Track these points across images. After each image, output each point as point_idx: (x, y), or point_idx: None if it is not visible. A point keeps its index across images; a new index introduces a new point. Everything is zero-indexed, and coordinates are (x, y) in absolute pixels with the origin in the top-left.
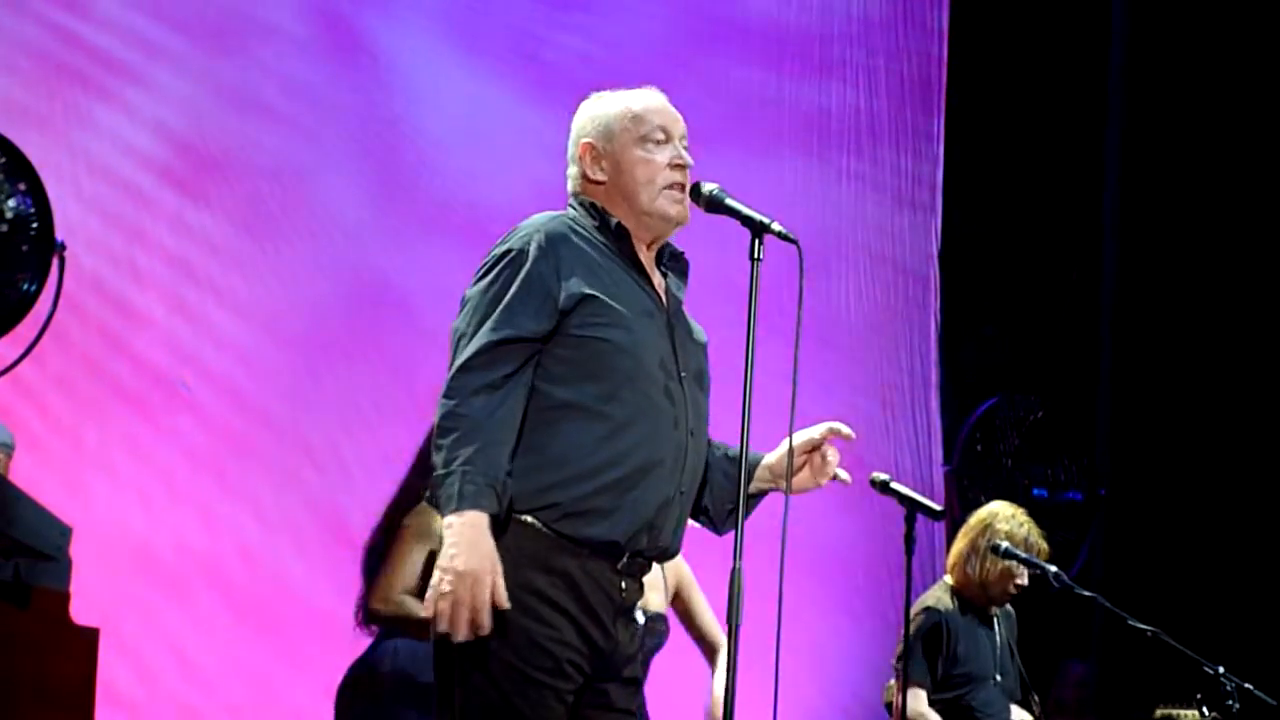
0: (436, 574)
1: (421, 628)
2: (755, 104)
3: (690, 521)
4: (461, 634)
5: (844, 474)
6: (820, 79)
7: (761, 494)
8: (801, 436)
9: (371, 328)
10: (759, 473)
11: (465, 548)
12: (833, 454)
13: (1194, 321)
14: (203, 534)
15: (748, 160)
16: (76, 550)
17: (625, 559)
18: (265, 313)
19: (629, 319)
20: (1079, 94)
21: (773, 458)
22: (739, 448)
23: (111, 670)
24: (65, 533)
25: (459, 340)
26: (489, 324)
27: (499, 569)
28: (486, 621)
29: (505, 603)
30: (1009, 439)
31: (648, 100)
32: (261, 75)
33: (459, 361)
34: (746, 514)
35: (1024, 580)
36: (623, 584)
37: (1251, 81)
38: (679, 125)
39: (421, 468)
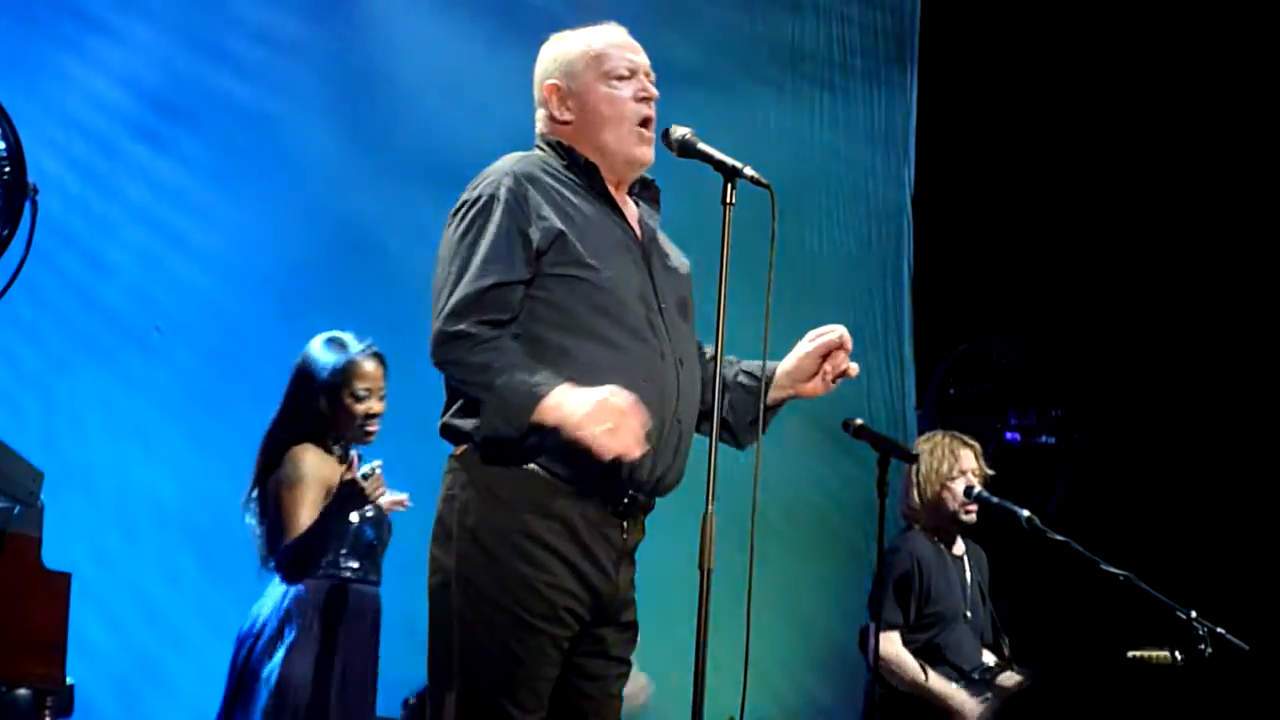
0: (580, 430)
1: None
2: (727, 43)
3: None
4: (636, 450)
5: (853, 367)
6: (793, 17)
7: (780, 403)
8: (817, 339)
9: (348, 276)
10: (778, 379)
11: (579, 399)
12: (842, 356)
13: (1171, 266)
14: (173, 485)
15: (718, 101)
16: (47, 500)
17: (626, 499)
18: (240, 263)
19: (603, 255)
20: (1054, 40)
21: (790, 363)
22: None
23: (80, 617)
24: (37, 478)
25: (440, 291)
26: (471, 271)
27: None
28: (647, 421)
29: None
30: (982, 383)
31: (609, 36)
32: (233, 24)
33: (446, 309)
34: (764, 427)
35: (963, 500)
36: (624, 525)
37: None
38: (642, 59)
39: (284, 421)
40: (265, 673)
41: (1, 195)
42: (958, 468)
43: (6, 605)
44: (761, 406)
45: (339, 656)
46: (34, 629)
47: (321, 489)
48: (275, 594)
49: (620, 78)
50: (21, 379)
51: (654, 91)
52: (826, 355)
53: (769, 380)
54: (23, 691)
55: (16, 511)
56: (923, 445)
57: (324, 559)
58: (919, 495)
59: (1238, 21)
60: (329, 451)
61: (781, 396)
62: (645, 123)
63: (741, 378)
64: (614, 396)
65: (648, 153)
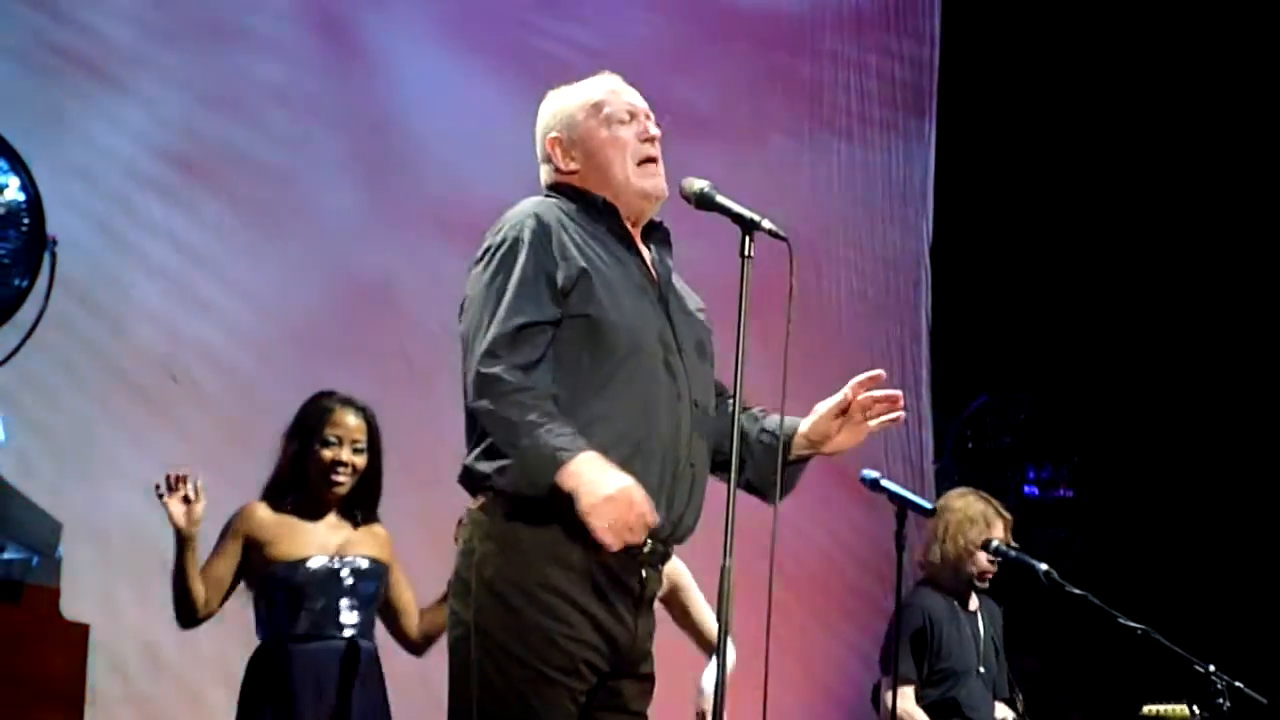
0: (602, 516)
1: None
2: (745, 94)
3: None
4: (637, 538)
5: (898, 414)
6: (812, 67)
7: (804, 460)
8: (828, 403)
9: (368, 321)
10: (796, 441)
11: (599, 478)
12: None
13: (1188, 319)
14: (204, 521)
15: (738, 149)
16: (78, 541)
17: (644, 547)
18: (263, 307)
19: (622, 296)
20: (1071, 95)
21: (806, 425)
22: (765, 420)
23: (116, 653)
24: (56, 529)
25: (472, 336)
26: (501, 313)
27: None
28: (652, 517)
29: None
30: (999, 437)
31: (606, 84)
32: (256, 73)
33: (480, 352)
34: (789, 486)
35: (985, 566)
36: (643, 573)
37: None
38: (641, 103)
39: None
40: None
41: (22, 246)
42: (987, 535)
43: (25, 656)
44: (780, 465)
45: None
46: (52, 679)
47: (237, 541)
48: None
49: (621, 121)
50: (44, 435)
51: (656, 131)
52: (845, 411)
53: (788, 442)
54: None
55: (35, 563)
56: (955, 503)
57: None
58: (941, 552)
59: (1258, 77)
60: (277, 507)
61: (803, 455)
62: (650, 160)
63: (763, 436)
64: (635, 491)
65: (659, 183)
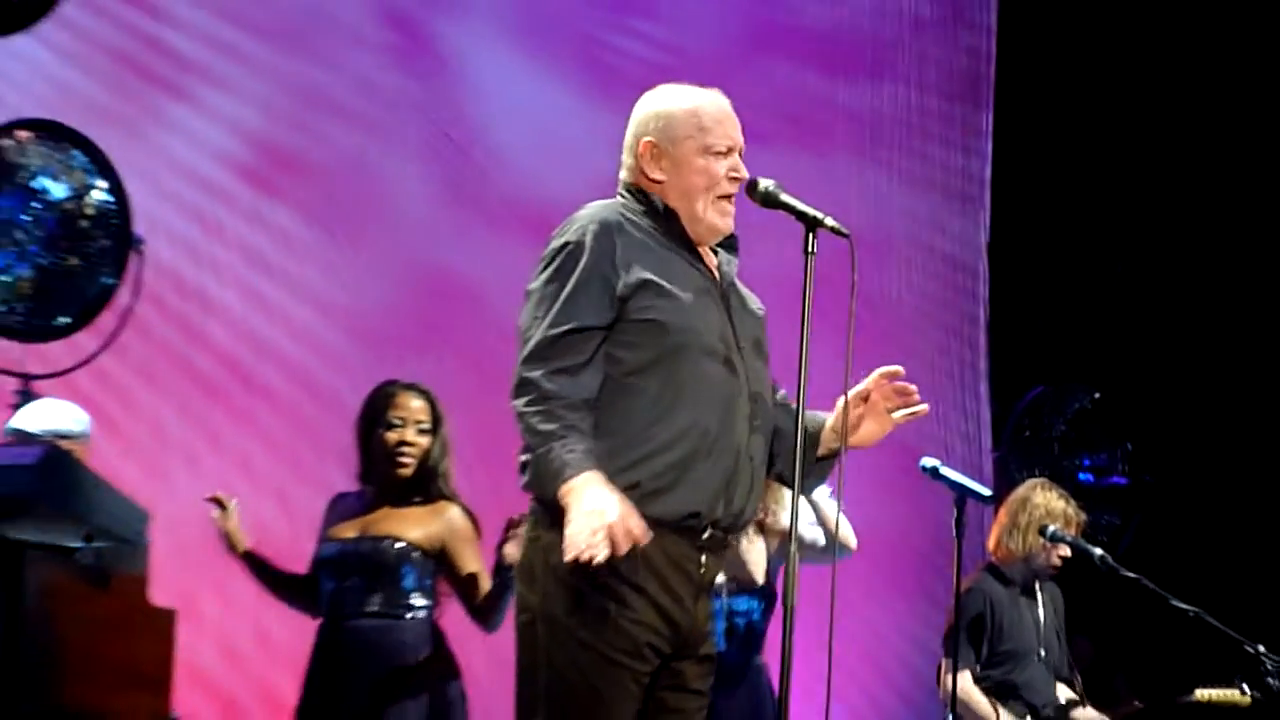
0: (574, 529)
1: None
2: (809, 103)
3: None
4: (620, 549)
5: (919, 407)
6: (872, 79)
7: (834, 454)
8: (851, 392)
9: (441, 319)
10: (824, 436)
11: (589, 496)
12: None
13: (1240, 309)
14: (279, 516)
15: (802, 158)
16: (157, 534)
17: (706, 533)
18: (338, 305)
19: (685, 299)
20: (1127, 88)
21: (834, 418)
22: (799, 419)
23: (194, 648)
24: (143, 518)
25: (525, 333)
26: (552, 316)
27: (626, 503)
28: (640, 532)
29: (644, 536)
30: (1056, 426)
31: (716, 108)
32: (334, 76)
33: (526, 353)
34: (823, 477)
35: (1065, 553)
36: (702, 560)
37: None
38: (740, 137)
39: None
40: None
41: (111, 246)
42: (1065, 529)
43: (115, 643)
44: (799, 456)
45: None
46: (141, 662)
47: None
48: None
49: (719, 153)
50: (133, 428)
51: (745, 173)
52: (866, 400)
53: (816, 436)
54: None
55: (123, 552)
56: (1037, 498)
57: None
58: (1016, 543)
59: None
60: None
61: (834, 448)
62: (728, 197)
63: (794, 430)
64: (624, 520)
65: (729, 223)
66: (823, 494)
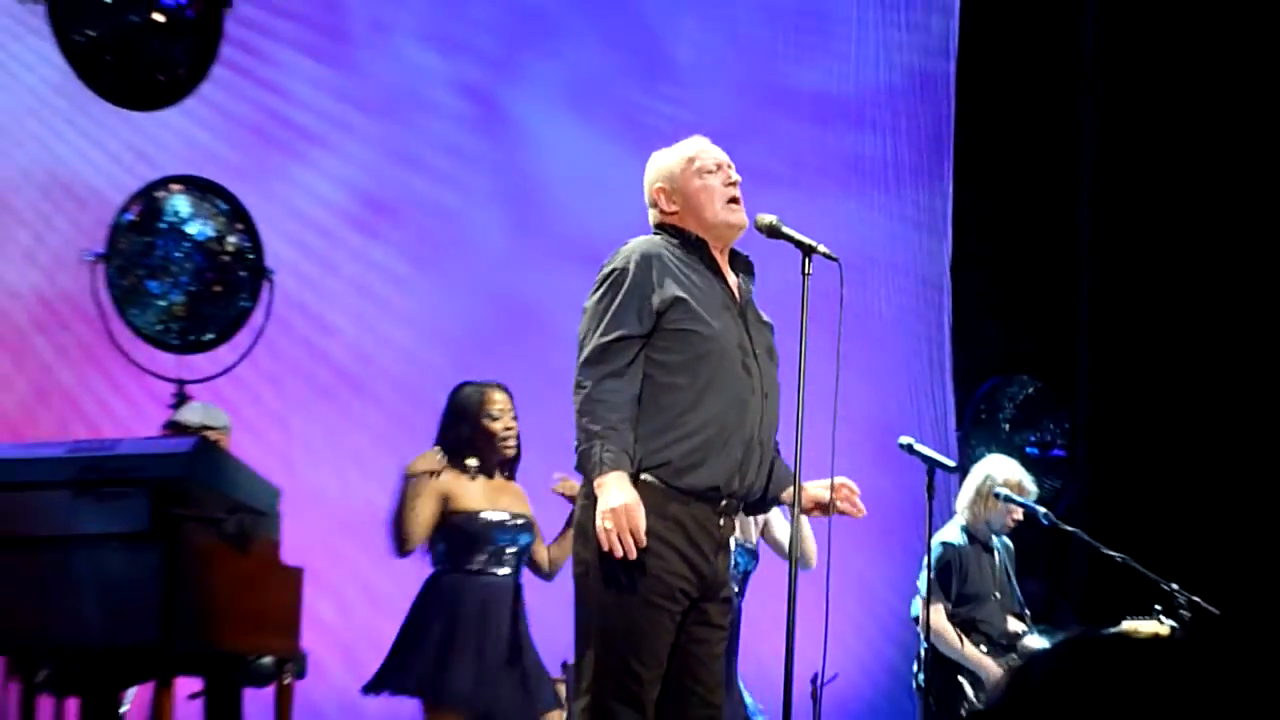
0: (599, 516)
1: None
2: (806, 151)
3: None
4: (627, 552)
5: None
6: (856, 132)
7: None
8: (817, 496)
9: (511, 333)
10: (787, 492)
11: (616, 494)
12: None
13: (1158, 321)
14: (383, 497)
15: (800, 196)
16: (285, 508)
17: (723, 501)
18: (428, 324)
19: (711, 313)
20: (1058, 138)
21: (803, 495)
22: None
23: (315, 604)
24: (275, 493)
25: (582, 342)
26: (602, 327)
27: (641, 506)
28: (642, 539)
29: (644, 538)
30: (1006, 409)
31: (697, 144)
32: (422, 140)
33: (583, 358)
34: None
35: (1019, 515)
36: (720, 522)
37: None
38: (724, 156)
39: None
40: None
41: (247, 278)
42: (1018, 493)
43: (254, 593)
44: (796, 487)
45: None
46: (274, 611)
47: (435, 496)
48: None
49: (709, 171)
50: (266, 422)
51: (737, 177)
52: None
53: (785, 491)
54: (266, 659)
55: (259, 521)
56: (996, 469)
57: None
58: (980, 507)
59: None
60: (462, 469)
61: (785, 500)
62: (734, 200)
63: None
64: (630, 509)
65: (741, 216)
66: (777, 515)
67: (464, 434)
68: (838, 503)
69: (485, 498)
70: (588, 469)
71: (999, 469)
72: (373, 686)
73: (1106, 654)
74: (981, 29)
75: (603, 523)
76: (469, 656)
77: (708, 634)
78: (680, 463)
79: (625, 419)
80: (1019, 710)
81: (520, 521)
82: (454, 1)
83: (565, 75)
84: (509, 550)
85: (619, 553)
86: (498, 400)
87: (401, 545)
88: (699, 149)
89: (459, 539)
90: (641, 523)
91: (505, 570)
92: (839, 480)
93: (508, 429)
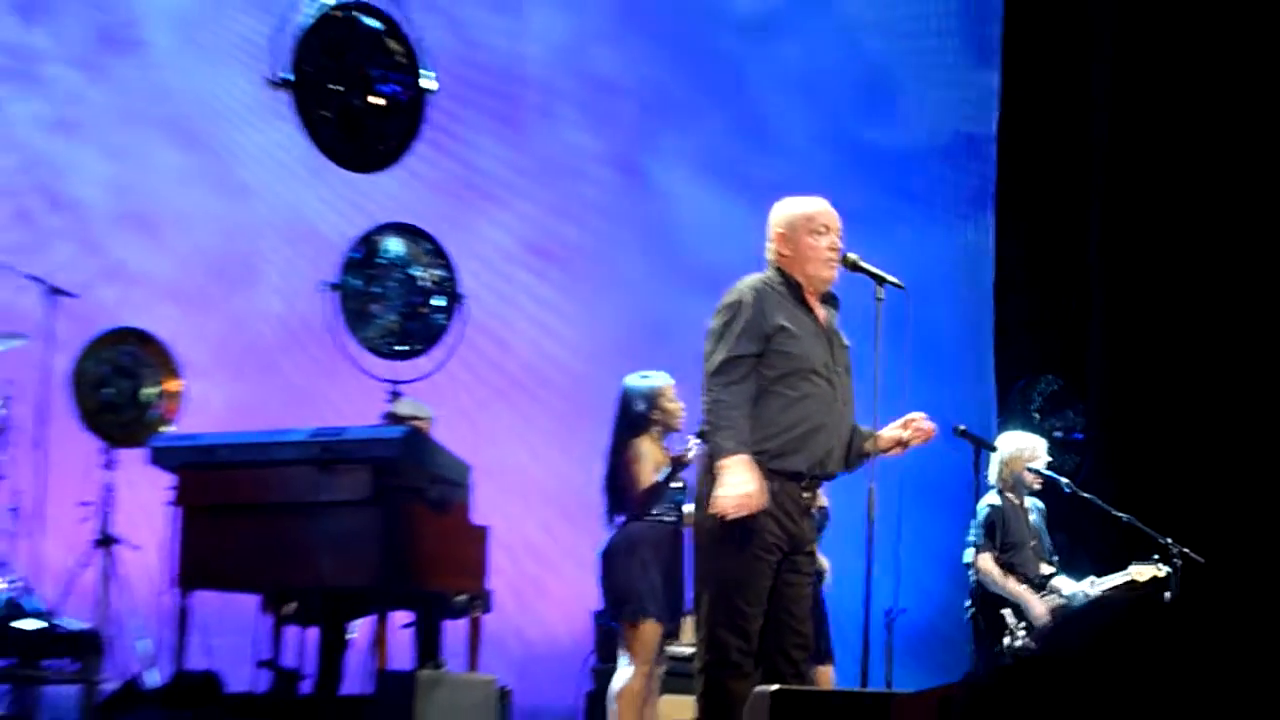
0: (726, 489)
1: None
2: (878, 195)
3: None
4: (752, 510)
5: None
6: (917, 179)
7: (866, 454)
8: (894, 436)
9: (651, 348)
10: (865, 445)
11: (741, 473)
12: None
13: (1156, 333)
14: (561, 469)
15: (873, 233)
16: (477, 480)
17: (806, 480)
18: (583, 340)
19: (804, 339)
20: (1076, 187)
21: (872, 439)
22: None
23: (496, 555)
24: (466, 469)
25: (710, 356)
26: (724, 347)
27: (760, 486)
28: (762, 504)
29: (762, 505)
30: (1036, 402)
31: (818, 206)
32: (578, 199)
33: (711, 370)
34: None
35: (1039, 484)
36: (805, 495)
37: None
38: (836, 221)
39: (622, 428)
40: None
41: (445, 302)
42: (1036, 461)
43: (450, 546)
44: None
45: (659, 568)
46: (466, 560)
47: (651, 462)
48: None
49: (820, 232)
50: (459, 414)
51: (840, 244)
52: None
53: (864, 441)
54: (460, 597)
55: (455, 491)
56: (1020, 441)
57: (654, 508)
58: (1009, 472)
59: None
60: (655, 440)
61: (866, 452)
62: (831, 262)
63: (856, 441)
64: (749, 487)
65: (833, 274)
66: None
67: (648, 414)
68: (912, 433)
69: (660, 464)
70: (713, 453)
71: (1024, 444)
72: (622, 616)
73: (1125, 617)
74: (1020, 90)
75: (731, 494)
76: (665, 584)
77: (796, 579)
78: (776, 451)
79: (743, 416)
80: (1058, 656)
81: (681, 484)
82: (602, 90)
83: (690, 145)
84: (675, 503)
85: (748, 512)
86: (670, 390)
87: (641, 507)
88: (819, 210)
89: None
90: (758, 502)
91: (672, 518)
92: (908, 416)
93: (680, 409)
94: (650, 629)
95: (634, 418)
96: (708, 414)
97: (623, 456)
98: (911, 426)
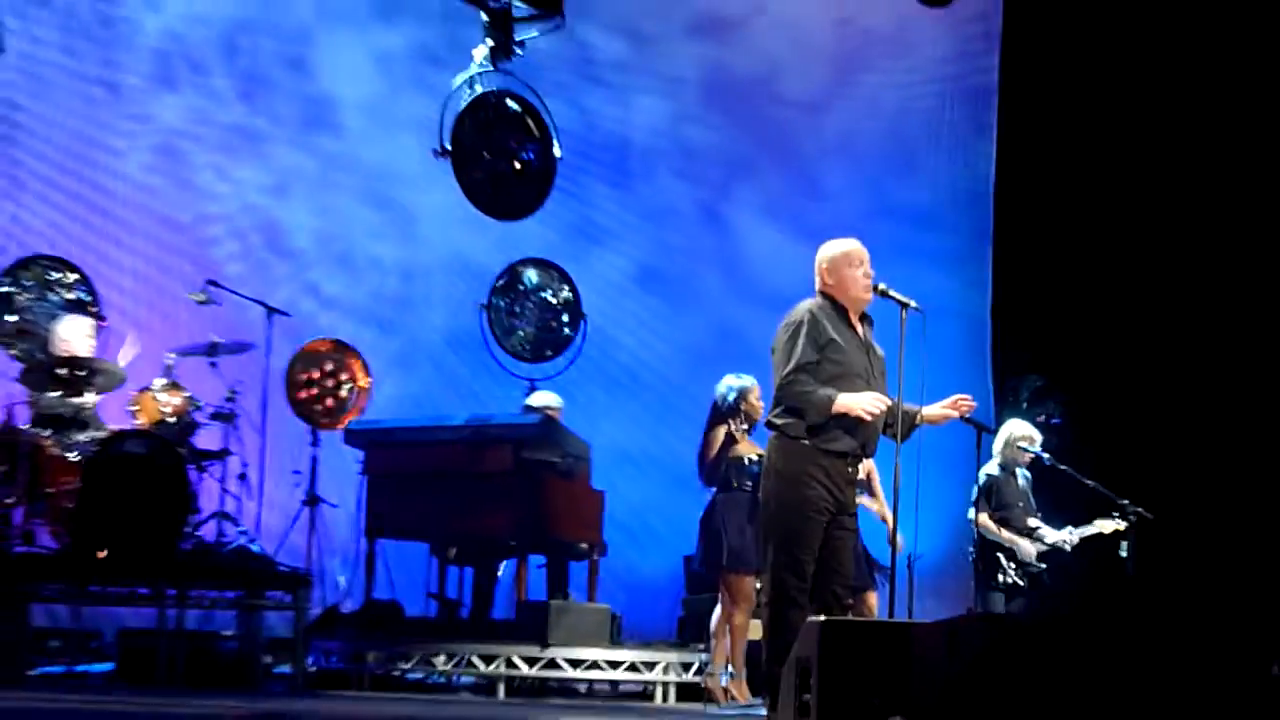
0: (861, 402)
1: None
2: (902, 240)
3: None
4: (876, 411)
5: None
6: (931, 230)
7: (915, 425)
8: (942, 414)
9: (728, 354)
10: (919, 417)
11: (855, 397)
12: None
13: (1116, 345)
14: (656, 447)
15: (898, 271)
16: (595, 454)
17: (850, 458)
18: (679, 348)
19: (849, 350)
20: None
21: (918, 414)
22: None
23: (612, 512)
24: (587, 446)
25: (781, 366)
26: (794, 358)
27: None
28: (883, 404)
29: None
30: (1024, 394)
31: (853, 245)
32: (666, 241)
33: (783, 376)
34: (908, 437)
35: (1028, 459)
36: (849, 468)
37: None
38: (866, 255)
39: (713, 417)
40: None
41: (570, 319)
42: (1028, 442)
43: (575, 505)
44: (898, 429)
45: (753, 529)
46: (587, 516)
47: (715, 446)
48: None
49: (856, 266)
50: (581, 404)
51: (872, 273)
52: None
53: (914, 416)
54: (582, 545)
55: (579, 464)
56: (1016, 427)
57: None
58: (1008, 450)
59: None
60: (743, 434)
61: (916, 424)
62: (866, 289)
63: (907, 418)
64: (870, 395)
65: (869, 298)
66: None
67: (738, 407)
68: (961, 408)
69: (747, 445)
70: (819, 407)
71: (1017, 429)
72: (726, 567)
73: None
74: (1012, 157)
75: (868, 406)
76: (754, 541)
77: (843, 535)
78: (829, 436)
79: (818, 389)
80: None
81: (758, 458)
82: (690, 155)
83: (758, 197)
84: (753, 475)
85: (879, 410)
86: (755, 390)
87: (707, 478)
88: (853, 249)
89: (733, 472)
90: (877, 405)
91: (749, 488)
92: (955, 396)
93: (761, 405)
94: (750, 579)
95: (724, 409)
96: (795, 397)
97: (706, 438)
98: (961, 404)
